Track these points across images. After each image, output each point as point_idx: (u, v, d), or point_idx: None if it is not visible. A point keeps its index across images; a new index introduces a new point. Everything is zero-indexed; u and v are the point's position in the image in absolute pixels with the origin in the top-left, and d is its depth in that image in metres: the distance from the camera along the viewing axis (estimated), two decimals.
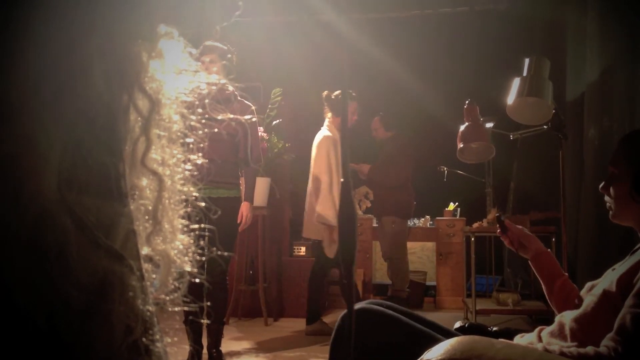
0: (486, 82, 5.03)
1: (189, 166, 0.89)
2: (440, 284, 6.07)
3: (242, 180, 3.55)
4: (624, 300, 1.34)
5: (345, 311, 1.69)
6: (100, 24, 0.72)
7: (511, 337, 1.63)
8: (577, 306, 1.52)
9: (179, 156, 0.87)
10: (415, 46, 6.19)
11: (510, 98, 3.06)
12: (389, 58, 5.86)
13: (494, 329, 1.74)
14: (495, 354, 1.22)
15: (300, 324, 4.89)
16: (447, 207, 6.38)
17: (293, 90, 5.52)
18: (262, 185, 4.75)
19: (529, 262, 1.84)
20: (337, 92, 4.43)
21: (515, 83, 3.05)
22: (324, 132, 4.46)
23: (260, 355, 3.80)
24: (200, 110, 0.90)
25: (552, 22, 4.96)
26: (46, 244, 0.65)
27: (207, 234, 0.92)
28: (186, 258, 0.86)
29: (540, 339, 1.55)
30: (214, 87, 0.92)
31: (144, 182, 0.83)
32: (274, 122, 4.91)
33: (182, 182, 0.87)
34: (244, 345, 4.12)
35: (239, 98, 3.42)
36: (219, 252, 0.98)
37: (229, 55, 3.31)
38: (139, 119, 0.81)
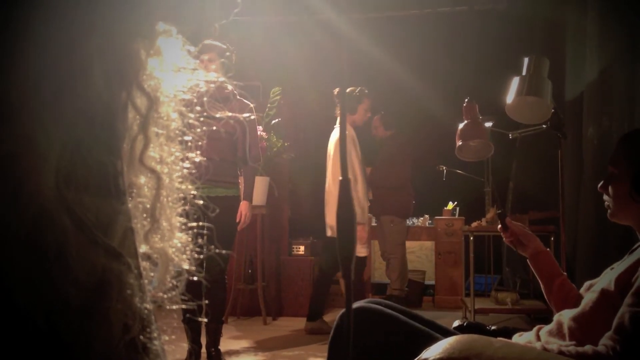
0: (485, 82, 5.03)
1: (187, 164, 0.89)
2: (439, 283, 6.08)
3: (241, 179, 3.55)
4: (623, 299, 1.34)
5: (344, 310, 1.69)
6: (100, 23, 0.72)
7: (510, 336, 1.63)
8: (576, 305, 1.52)
9: (177, 154, 0.87)
10: (414, 45, 6.19)
11: (510, 97, 3.06)
12: (388, 57, 5.86)
13: (493, 328, 1.74)
14: (494, 352, 1.22)
15: (299, 323, 4.89)
16: (446, 207, 6.39)
17: (292, 90, 5.52)
18: (261, 184, 4.75)
19: (528, 261, 1.84)
20: (349, 89, 4.36)
21: (515, 82, 3.05)
22: (338, 130, 4.36)
23: (258, 354, 3.80)
24: (198, 108, 0.90)
25: (551, 21, 4.96)
26: (45, 243, 0.65)
27: (205, 232, 0.92)
28: (184, 256, 0.86)
29: (538, 338, 1.55)
30: (212, 86, 0.92)
31: (142, 180, 0.83)
32: (273, 121, 4.91)
33: (180, 180, 0.87)
34: (243, 344, 4.12)
35: (237, 97, 3.42)
36: (218, 251, 0.98)
37: (228, 54, 3.31)
38: (137, 116, 0.81)
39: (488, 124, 4.62)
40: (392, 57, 5.90)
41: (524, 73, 3.06)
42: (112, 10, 0.74)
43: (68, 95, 0.69)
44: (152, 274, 0.83)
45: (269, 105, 4.93)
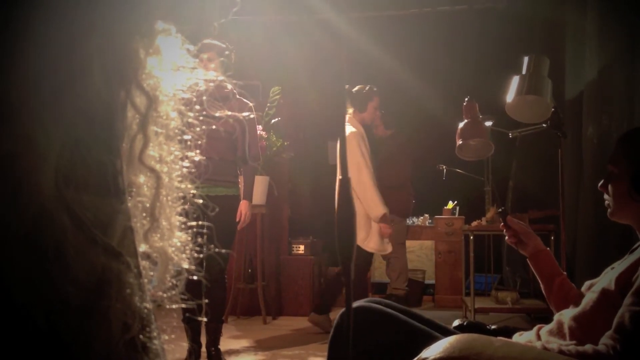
0: (485, 81, 5.03)
1: (186, 163, 0.89)
2: (439, 283, 6.08)
3: (240, 179, 3.55)
4: (623, 299, 1.34)
5: (344, 309, 1.69)
6: (100, 23, 0.72)
7: (510, 336, 1.63)
8: (576, 305, 1.52)
9: (177, 153, 0.87)
10: (414, 44, 6.19)
11: (510, 96, 3.06)
12: (387, 56, 5.86)
13: (493, 327, 1.74)
14: (494, 352, 1.22)
15: (299, 322, 4.89)
16: (446, 206, 6.39)
17: (292, 89, 5.52)
18: (260, 184, 4.74)
19: (528, 260, 1.84)
20: (358, 87, 4.33)
21: (515, 81, 3.06)
22: (348, 128, 4.21)
23: (258, 354, 3.80)
24: (198, 107, 0.90)
25: (551, 21, 4.96)
26: (45, 242, 0.65)
27: (205, 231, 0.92)
28: (184, 255, 0.86)
29: (539, 338, 1.55)
30: (212, 85, 0.92)
31: (142, 179, 0.83)
32: (273, 121, 4.91)
33: (179, 179, 0.87)
34: (243, 343, 4.12)
35: (237, 96, 3.42)
36: (218, 250, 0.98)
37: (227, 53, 3.30)
38: (137, 115, 0.81)
39: (488, 123, 4.62)
40: (391, 57, 5.90)
41: (523, 72, 3.06)
42: (111, 10, 0.73)
43: (68, 94, 0.69)
44: (151, 273, 0.83)
45: (268, 104, 4.93)
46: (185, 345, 3.19)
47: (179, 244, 0.86)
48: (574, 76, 4.36)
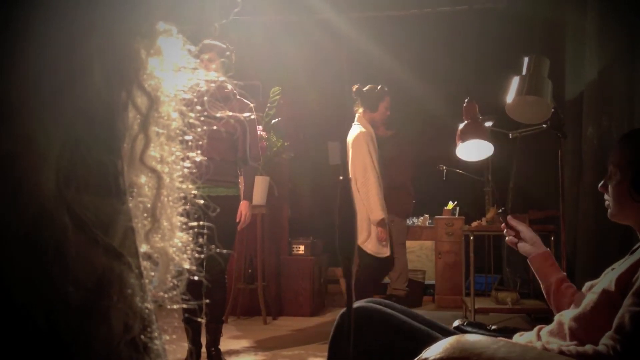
0: (485, 81, 5.03)
1: (187, 164, 0.89)
2: (439, 283, 6.07)
3: (241, 179, 3.55)
4: (623, 300, 1.34)
5: (344, 309, 1.69)
6: (100, 23, 0.72)
7: (510, 336, 1.63)
8: (576, 306, 1.52)
9: (178, 154, 0.87)
10: (414, 45, 6.19)
11: (510, 97, 3.06)
12: (387, 57, 5.86)
13: (493, 327, 1.74)
14: (494, 352, 1.22)
15: (299, 322, 4.89)
16: (446, 206, 6.39)
17: (292, 89, 5.52)
18: (261, 184, 4.74)
19: (528, 260, 1.84)
20: (369, 87, 4.30)
21: (515, 82, 3.05)
22: (357, 128, 4.17)
23: (259, 354, 3.80)
24: (199, 107, 0.90)
25: (551, 21, 4.96)
26: (45, 242, 0.65)
27: (206, 232, 0.92)
28: (185, 256, 0.86)
29: (539, 338, 1.55)
30: (212, 85, 0.92)
31: (143, 179, 0.83)
32: (273, 121, 4.91)
33: (180, 179, 0.87)
34: (243, 343, 4.12)
35: (238, 96, 3.42)
36: (218, 251, 0.98)
37: (228, 54, 3.30)
38: (138, 116, 0.81)
39: (488, 124, 4.61)
40: (391, 57, 5.90)
41: (524, 72, 3.06)
42: (112, 10, 0.73)
43: (68, 94, 0.69)
44: (152, 274, 0.83)
45: (268, 104, 4.93)
46: (185, 345, 3.19)
47: (180, 244, 0.86)
48: (574, 76, 4.36)
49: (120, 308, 0.69)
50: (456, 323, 1.77)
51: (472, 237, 4.72)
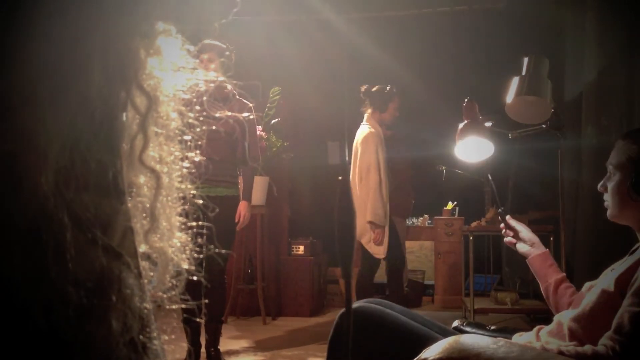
0: (485, 81, 5.03)
1: (186, 164, 0.89)
2: (438, 283, 6.07)
3: (240, 179, 3.55)
4: (623, 300, 1.34)
5: (343, 310, 1.69)
6: (100, 23, 0.72)
7: (509, 336, 1.63)
8: (575, 306, 1.52)
9: (177, 154, 0.87)
10: (413, 45, 6.19)
11: (509, 97, 3.06)
12: (387, 57, 5.85)
13: (492, 327, 1.74)
14: (494, 352, 1.22)
15: (298, 322, 4.89)
16: (446, 206, 6.39)
17: (292, 89, 5.51)
18: (260, 184, 4.74)
19: (527, 261, 1.84)
20: (377, 87, 4.29)
21: (514, 82, 3.05)
22: (366, 128, 4.15)
23: (258, 354, 3.80)
24: (198, 107, 0.90)
25: (551, 21, 4.96)
26: (44, 242, 0.65)
27: (205, 232, 0.92)
28: (184, 256, 0.86)
29: (538, 338, 1.55)
30: (212, 85, 0.92)
31: (142, 179, 0.83)
32: (273, 121, 4.91)
33: (179, 179, 0.87)
34: (242, 344, 4.12)
35: (237, 96, 3.42)
36: (218, 251, 0.98)
37: (227, 53, 3.30)
38: (137, 116, 0.81)
39: (488, 124, 4.61)
40: (391, 57, 5.90)
41: (523, 73, 3.06)
42: (112, 10, 0.73)
43: (68, 93, 0.69)
44: (151, 274, 0.83)
45: (268, 105, 4.93)
46: (185, 345, 3.19)
47: (179, 244, 0.86)
48: (573, 76, 4.36)
49: (119, 308, 0.69)
50: (455, 323, 1.77)
51: (471, 237, 4.72)
